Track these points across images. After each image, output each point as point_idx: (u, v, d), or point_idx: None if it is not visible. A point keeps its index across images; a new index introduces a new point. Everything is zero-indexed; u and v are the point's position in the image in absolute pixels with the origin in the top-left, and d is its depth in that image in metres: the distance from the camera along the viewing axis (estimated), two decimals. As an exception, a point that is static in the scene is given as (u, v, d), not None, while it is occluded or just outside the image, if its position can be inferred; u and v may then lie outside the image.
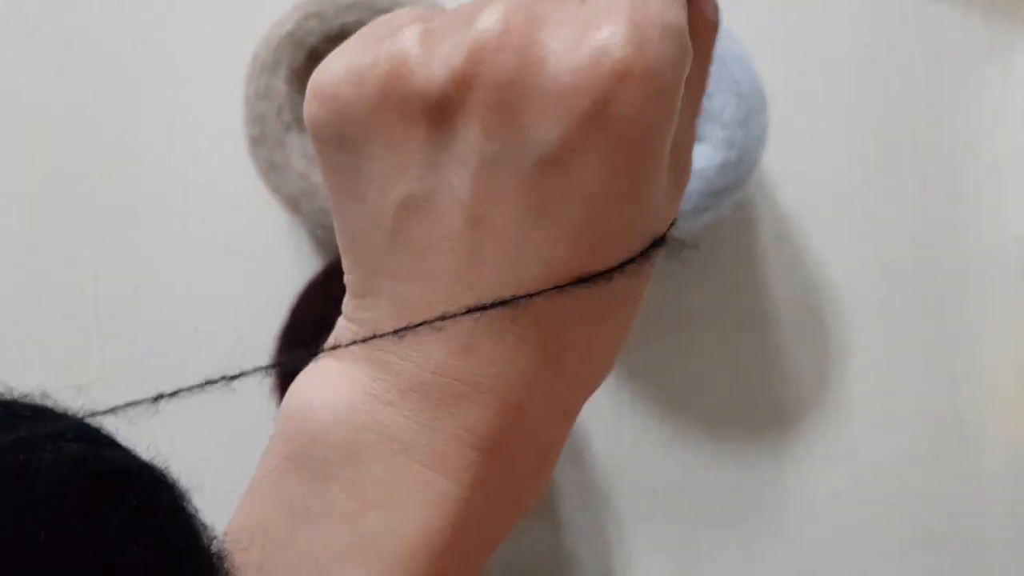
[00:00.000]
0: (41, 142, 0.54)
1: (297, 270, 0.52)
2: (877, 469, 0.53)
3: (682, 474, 0.53)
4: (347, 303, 0.23)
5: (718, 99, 0.47)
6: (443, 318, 0.21)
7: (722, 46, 0.48)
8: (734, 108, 0.47)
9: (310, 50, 0.48)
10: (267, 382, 0.49)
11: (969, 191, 0.54)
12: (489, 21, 0.20)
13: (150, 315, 0.53)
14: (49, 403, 0.21)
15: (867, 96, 0.55)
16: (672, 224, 0.23)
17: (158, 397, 0.23)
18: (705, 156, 0.47)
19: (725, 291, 0.54)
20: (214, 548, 0.20)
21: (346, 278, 0.23)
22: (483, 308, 0.21)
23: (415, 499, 0.21)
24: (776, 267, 0.54)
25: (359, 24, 0.48)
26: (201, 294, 0.53)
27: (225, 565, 0.20)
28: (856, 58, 0.55)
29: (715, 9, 0.23)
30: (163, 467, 0.21)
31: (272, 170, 0.48)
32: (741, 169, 0.47)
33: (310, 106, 0.22)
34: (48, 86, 0.54)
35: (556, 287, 0.21)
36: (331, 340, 0.24)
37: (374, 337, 0.22)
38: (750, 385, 0.54)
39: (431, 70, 0.20)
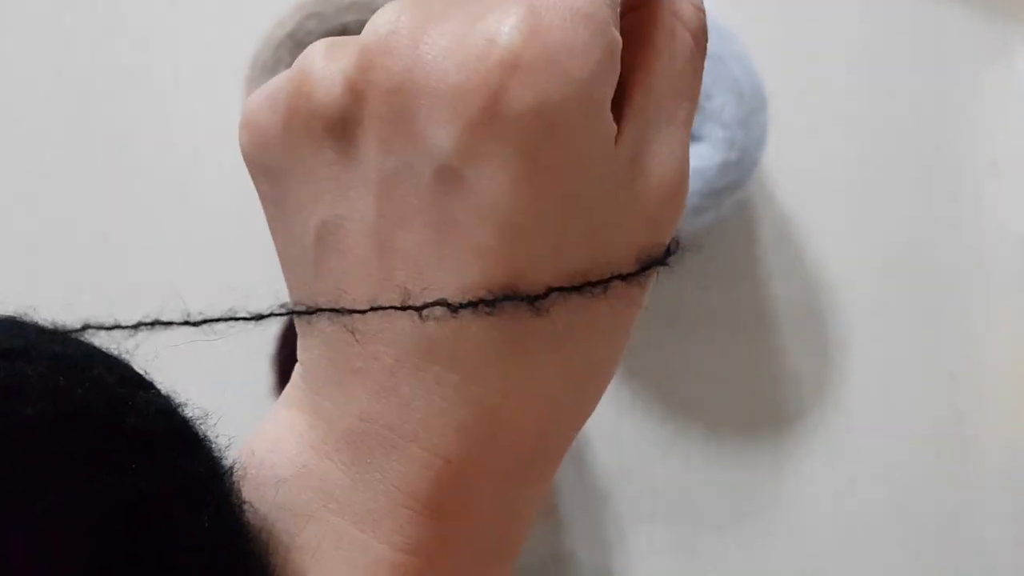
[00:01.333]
0: (41, 142, 0.54)
1: (297, 270, 0.52)
2: (877, 469, 0.53)
3: (682, 474, 0.53)
4: (299, 342, 0.22)
5: (718, 99, 0.47)
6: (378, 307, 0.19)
7: (722, 46, 0.48)
8: (734, 108, 0.47)
9: (310, 50, 0.48)
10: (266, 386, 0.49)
11: (969, 191, 0.54)
12: (380, 21, 0.18)
13: (150, 315, 0.53)
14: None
15: (867, 96, 0.55)
16: (668, 253, 0.21)
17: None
18: (705, 156, 0.47)
19: (725, 291, 0.53)
20: (261, 540, 0.20)
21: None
22: (383, 308, 0.19)
23: (345, 567, 0.19)
24: (776, 267, 0.54)
25: (359, 24, 0.48)
26: (200, 294, 0.53)
27: (269, 556, 0.20)
28: (856, 58, 0.55)
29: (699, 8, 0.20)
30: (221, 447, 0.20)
31: (272, 170, 0.48)
32: (741, 169, 0.47)
33: (240, 137, 0.21)
34: (48, 86, 0.54)
35: (433, 304, 0.18)
36: (290, 384, 0.22)
37: (336, 311, 0.20)
38: (750, 385, 0.54)
39: (330, 83, 0.19)
